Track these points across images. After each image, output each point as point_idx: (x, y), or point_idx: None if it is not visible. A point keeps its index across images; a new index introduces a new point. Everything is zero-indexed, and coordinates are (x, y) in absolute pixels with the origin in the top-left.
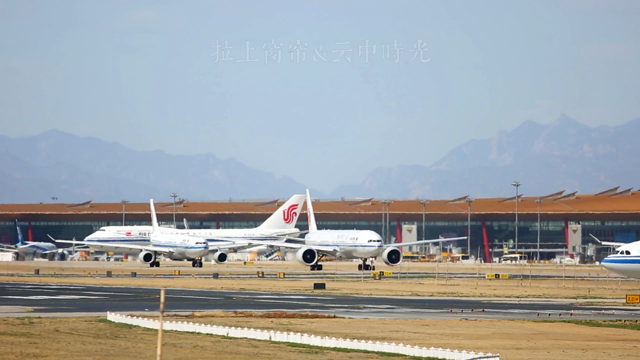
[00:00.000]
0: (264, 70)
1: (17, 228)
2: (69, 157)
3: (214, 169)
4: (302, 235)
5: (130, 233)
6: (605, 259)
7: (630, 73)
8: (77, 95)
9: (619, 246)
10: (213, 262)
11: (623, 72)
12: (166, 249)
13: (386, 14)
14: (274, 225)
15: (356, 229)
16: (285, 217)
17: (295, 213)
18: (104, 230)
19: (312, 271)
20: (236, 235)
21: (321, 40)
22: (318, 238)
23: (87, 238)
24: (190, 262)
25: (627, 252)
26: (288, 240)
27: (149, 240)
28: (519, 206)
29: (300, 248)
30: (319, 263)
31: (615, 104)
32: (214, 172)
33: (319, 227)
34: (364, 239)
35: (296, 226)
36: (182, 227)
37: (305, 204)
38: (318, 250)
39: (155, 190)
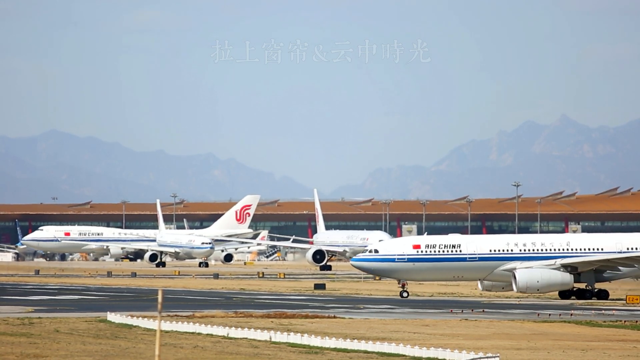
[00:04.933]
0: (264, 70)
1: (18, 228)
2: (69, 157)
3: (214, 169)
4: (255, 236)
5: (69, 233)
6: (353, 257)
7: (630, 73)
8: (77, 95)
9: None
10: (214, 262)
11: (623, 72)
12: (172, 249)
13: (386, 14)
14: (225, 226)
15: (356, 230)
16: (238, 217)
17: (248, 214)
18: (42, 230)
19: (322, 271)
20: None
21: (321, 40)
22: (327, 238)
23: (24, 238)
24: (196, 262)
25: (376, 251)
26: (294, 241)
27: (88, 241)
28: (519, 206)
29: (309, 249)
30: (328, 263)
31: (615, 104)
32: (214, 172)
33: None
34: (375, 239)
35: (249, 227)
36: (183, 228)
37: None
38: (328, 251)
39: (156, 190)
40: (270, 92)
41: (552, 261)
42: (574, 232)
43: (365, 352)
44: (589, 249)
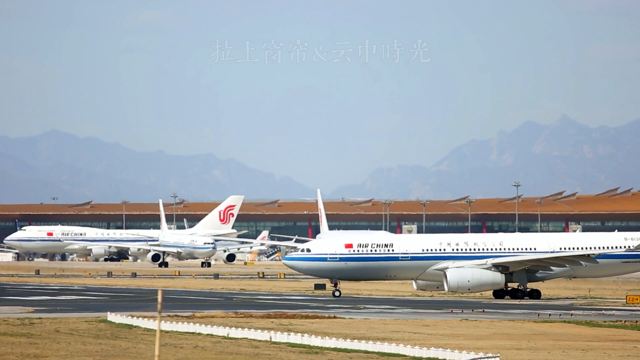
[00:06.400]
0: (264, 70)
1: (18, 228)
2: (70, 157)
3: (214, 169)
4: (240, 236)
5: (51, 233)
6: (285, 256)
7: (630, 73)
8: (78, 95)
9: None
10: (214, 261)
11: (623, 73)
12: (174, 249)
13: (386, 14)
14: (209, 227)
15: (356, 230)
16: (221, 218)
17: (232, 214)
18: (24, 230)
19: None
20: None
21: (321, 40)
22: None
23: (7, 238)
24: (199, 262)
25: (308, 250)
26: (297, 241)
27: (71, 241)
28: (520, 206)
29: None
30: None
31: (615, 104)
32: (214, 172)
33: (318, 228)
34: None
35: (233, 227)
36: (183, 228)
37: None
38: None
39: (156, 190)
40: (271, 92)
41: (483, 261)
42: (575, 232)
43: (366, 352)
44: (521, 249)
